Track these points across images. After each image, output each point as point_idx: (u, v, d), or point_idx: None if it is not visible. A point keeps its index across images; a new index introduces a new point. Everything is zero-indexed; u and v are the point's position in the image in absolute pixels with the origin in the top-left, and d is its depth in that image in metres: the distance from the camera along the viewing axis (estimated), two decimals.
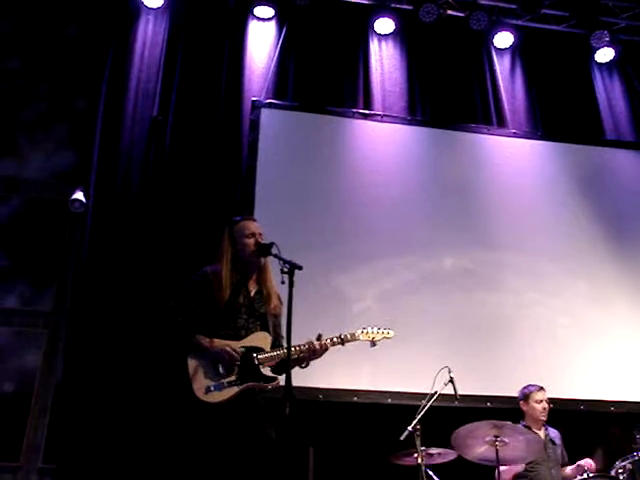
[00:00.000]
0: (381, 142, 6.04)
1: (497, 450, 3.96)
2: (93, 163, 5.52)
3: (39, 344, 5.21)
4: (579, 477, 4.21)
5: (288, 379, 2.84)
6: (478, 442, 4.02)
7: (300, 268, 3.02)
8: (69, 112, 5.98)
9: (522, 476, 4.33)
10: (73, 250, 5.39)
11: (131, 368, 4.85)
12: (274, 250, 3.21)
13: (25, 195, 5.69)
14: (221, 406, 3.15)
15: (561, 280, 5.71)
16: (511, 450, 4.03)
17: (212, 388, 3.18)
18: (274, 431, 3.16)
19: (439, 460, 4.25)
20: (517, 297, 5.58)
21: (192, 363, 3.22)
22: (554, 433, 4.62)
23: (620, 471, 4.22)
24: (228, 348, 3.21)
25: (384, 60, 6.52)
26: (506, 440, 3.98)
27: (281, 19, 6.41)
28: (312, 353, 3.34)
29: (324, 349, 3.36)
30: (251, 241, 3.41)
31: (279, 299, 3.47)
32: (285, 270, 3.00)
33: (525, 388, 4.64)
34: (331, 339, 3.42)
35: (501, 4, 6.76)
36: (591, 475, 4.17)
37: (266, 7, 6.34)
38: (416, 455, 4.08)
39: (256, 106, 5.89)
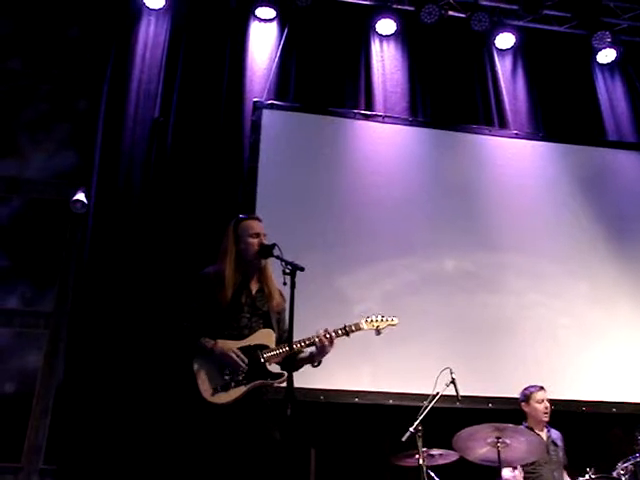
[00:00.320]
0: (382, 143, 6.04)
1: (499, 451, 3.96)
2: (94, 164, 5.52)
3: (40, 345, 5.21)
4: (581, 479, 4.21)
5: (290, 381, 2.84)
6: (480, 444, 4.02)
7: (302, 269, 3.02)
8: (70, 113, 5.98)
9: (524, 478, 4.33)
10: (74, 251, 5.38)
11: (132, 369, 4.85)
12: (276, 251, 3.21)
13: (26, 196, 5.68)
14: (228, 407, 3.15)
15: (562, 281, 5.70)
16: (513, 451, 4.03)
17: (219, 389, 3.18)
18: (279, 432, 3.15)
19: (440, 461, 4.25)
20: (518, 298, 5.57)
21: (198, 366, 3.22)
22: (556, 435, 4.62)
23: (622, 472, 4.22)
24: (233, 354, 3.20)
25: (385, 61, 6.52)
26: (508, 441, 3.98)
27: (282, 20, 6.42)
28: (321, 348, 3.34)
29: (330, 340, 3.35)
30: (255, 241, 3.41)
31: (282, 296, 3.46)
32: (287, 271, 3.00)
33: (526, 389, 4.64)
34: (335, 331, 3.41)
35: (502, 5, 6.76)
36: (593, 476, 4.17)
37: (267, 8, 6.35)
38: (417, 456, 4.07)
39: (257, 107, 5.89)
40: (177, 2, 6.31)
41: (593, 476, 4.18)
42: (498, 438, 3.96)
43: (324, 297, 5.13)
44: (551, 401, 4.64)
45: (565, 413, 4.97)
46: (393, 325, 3.62)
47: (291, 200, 5.56)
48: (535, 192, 6.07)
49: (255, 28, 6.39)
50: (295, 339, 3.14)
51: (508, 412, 4.63)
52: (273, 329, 3.39)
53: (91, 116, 5.78)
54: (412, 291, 5.42)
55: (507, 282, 5.63)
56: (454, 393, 4.24)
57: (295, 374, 2.89)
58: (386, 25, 6.57)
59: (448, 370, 4.29)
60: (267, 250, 3.30)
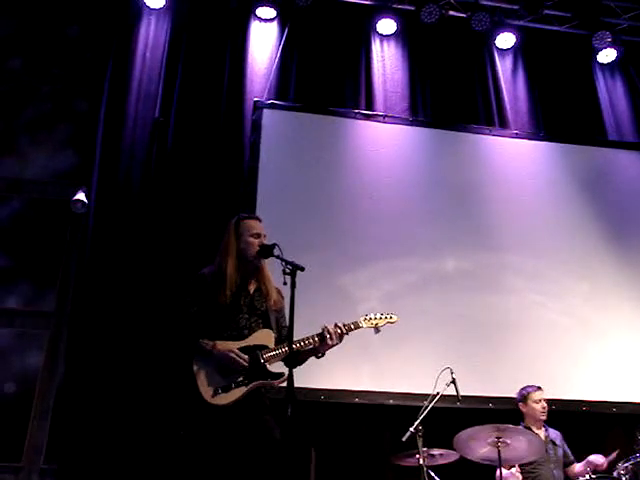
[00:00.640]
0: (383, 143, 6.03)
1: (499, 451, 3.96)
2: (95, 164, 5.52)
3: (41, 345, 5.21)
4: (581, 478, 4.21)
5: (290, 381, 2.84)
6: (480, 444, 4.03)
7: (302, 269, 3.02)
8: (71, 113, 5.98)
9: (524, 478, 4.33)
10: (75, 251, 5.38)
11: (133, 369, 4.85)
12: (276, 251, 3.21)
13: (27, 196, 5.69)
14: (228, 408, 3.15)
15: (563, 281, 5.70)
16: (513, 450, 4.04)
17: (220, 390, 3.18)
18: (279, 432, 3.15)
19: (441, 461, 4.25)
20: (519, 298, 5.57)
21: (197, 367, 3.22)
22: (555, 434, 4.63)
23: (622, 472, 4.22)
24: (233, 355, 3.20)
25: (386, 61, 6.52)
26: (508, 441, 3.99)
27: (283, 20, 6.41)
28: (328, 341, 3.33)
29: (340, 334, 3.35)
30: (255, 241, 3.41)
31: (280, 294, 3.46)
32: (287, 271, 3.00)
33: (523, 389, 4.65)
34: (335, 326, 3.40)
35: (503, 5, 6.75)
36: (594, 476, 4.18)
37: (268, 8, 6.34)
38: (418, 456, 4.08)
39: (258, 107, 5.89)
40: (177, 2, 6.31)
41: (593, 476, 4.19)
42: (498, 438, 3.97)
43: (324, 297, 5.12)
44: (551, 401, 4.65)
45: (565, 413, 4.98)
46: (392, 322, 3.60)
47: (291, 200, 5.56)
48: (535, 192, 6.07)
49: (255, 28, 6.39)
50: (295, 338, 3.14)
51: (508, 412, 4.64)
52: (272, 329, 3.39)
53: (91, 116, 5.79)
54: (412, 291, 5.42)
55: (507, 282, 5.63)
56: (454, 393, 4.24)
57: (295, 374, 2.88)
58: (386, 25, 6.57)
59: (448, 370, 4.30)
60: (267, 250, 3.30)
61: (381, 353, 5.03)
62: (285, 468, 3.09)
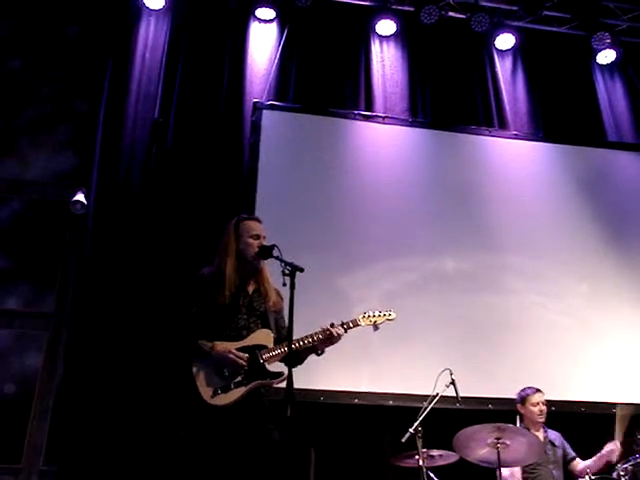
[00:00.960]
0: (382, 144, 6.04)
1: (499, 452, 3.96)
2: (94, 165, 5.53)
3: (40, 346, 5.20)
4: (580, 478, 4.21)
5: (290, 381, 2.84)
6: (480, 444, 4.02)
7: (301, 270, 3.03)
8: (70, 113, 5.98)
9: (524, 479, 4.33)
10: (74, 252, 5.38)
11: (132, 370, 4.85)
12: (275, 252, 3.21)
13: (27, 197, 5.68)
14: (228, 408, 3.15)
15: (563, 282, 5.71)
16: (512, 452, 4.03)
17: (219, 391, 3.18)
18: (278, 433, 3.15)
19: (440, 462, 4.25)
20: (519, 299, 5.57)
21: (197, 368, 3.22)
22: (554, 435, 4.62)
23: (622, 473, 4.22)
24: (231, 355, 3.20)
25: (385, 62, 6.52)
26: (508, 442, 3.98)
27: (282, 21, 6.42)
28: (328, 340, 3.34)
29: (330, 335, 3.35)
30: (255, 242, 3.41)
31: (279, 295, 3.47)
32: (286, 272, 3.01)
33: (522, 391, 4.65)
34: (333, 326, 3.40)
35: (502, 6, 6.76)
36: (593, 477, 4.18)
37: (267, 9, 6.35)
38: (417, 457, 4.08)
39: (257, 108, 5.89)
40: (177, 2, 6.31)
41: (593, 477, 4.18)
42: (498, 439, 3.96)
43: (324, 297, 5.12)
44: (551, 402, 4.64)
45: (565, 413, 4.98)
46: (390, 320, 3.60)
47: (291, 200, 5.56)
48: (535, 192, 6.07)
49: (255, 29, 6.39)
50: (294, 338, 3.14)
51: (508, 413, 4.63)
52: (271, 329, 3.39)
53: (91, 117, 5.79)
54: (412, 291, 5.42)
55: (507, 282, 5.63)
56: (454, 394, 4.24)
57: (295, 375, 2.89)
58: (386, 26, 6.57)
59: (448, 371, 4.29)
60: (267, 251, 3.30)
61: (381, 354, 5.03)
62: (284, 469, 3.08)
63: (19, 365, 5.15)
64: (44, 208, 5.65)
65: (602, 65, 7.00)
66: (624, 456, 4.34)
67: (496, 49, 6.83)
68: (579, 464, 4.49)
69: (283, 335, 3.42)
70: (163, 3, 6.18)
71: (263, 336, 3.35)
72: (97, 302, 5.06)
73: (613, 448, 4.31)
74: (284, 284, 3.01)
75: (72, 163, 5.82)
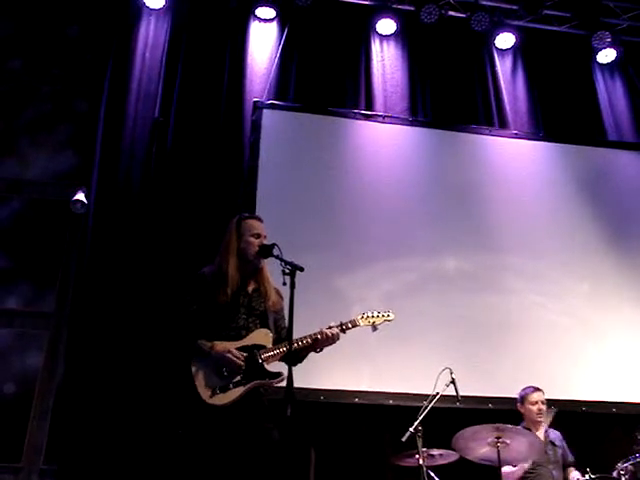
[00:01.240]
0: (382, 143, 6.04)
1: (499, 451, 3.96)
2: (95, 164, 5.53)
3: (40, 345, 5.21)
4: (581, 478, 4.21)
5: (290, 381, 2.84)
6: (480, 444, 4.02)
7: (301, 269, 3.02)
8: (71, 113, 5.98)
9: (524, 478, 4.33)
10: (75, 251, 5.38)
11: (132, 369, 4.85)
12: (276, 251, 3.21)
13: (27, 196, 5.69)
14: (227, 408, 3.15)
15: (563, 282, 5.70)
16: (513, 451, 4.03)
17: (218, 391, 3.17)
18: (277, 432, 3.15)
19: (440, 461, 4.25)
20: (519, 299, 5.57)
21: (196, 368, 3.22)
22: (554, 434, 4.62)
23: (622, 473, 4.22)
24: (230, 355, 3.20)
25: (386, 61, 6.52)
26: (508, 441, 3.98)
27: (282, 20, 6.42)
28: (326, 341, 3.35)
29: (328, 336, 3.35)
30: (256, 241, 3.41)
31: (279, 294, 3.46)
32: (286, 271, 3.01)
33: (522, 390, 4.65)
34: (330, 327, 3.41)
35: (502, 5, 6.76)
36: (594, 476, 4.18)
37: (267, 8, 6.35)
38: (417, 456, 4.08)
39: (258, 107, 5.90)
40: (177, 2, 6.31)
41: (593, 476, 4.18)
42: (498, 438, 3.96)
43: (324, 297, 5.12)
44: (551, 401, 4.64)
45: (565, 413, 4.97)
46: (389, 320, 3.60)
47: (291, 200, 5.56)
48: (535, 192, 6.07)
49: (255, 28, 6.39)
50: (294, 337, 3.14)
51: (508, 412, 4.63)
52: (270, 329, 3.39)
53: (91, 116, 5.79)
54: (412, 291, 5.42)
55: (507, 282, 5.63)
56: (454, 393, 4.24)
57: (295, 374, 2.88)
58: (386, 25, 6.57)
59: (448, 370, 4.29)
60: (267, 250, 3.30)
61: (381, 353, 5.03)
62: (284, 468, 3.08)
63: (19, 365, 5.15)
64: (44, 208, 5.65)
65: (602, 64, 7.00)
66: (624, 456, 4.34)
67: (496, 48, 6.82)
68: (572, 472, 4.49)
69: (282, 335, 3.42)
70: (163, 2, 6.19)
71: (262, 336, 3.35)
72: (97, 301, 5.06)
73: None
74: (284, 283, 3.01)
75: (72, 163, 5.82)
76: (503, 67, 6.78)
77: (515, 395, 4.70)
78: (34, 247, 5.47)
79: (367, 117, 6.11)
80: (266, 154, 5.71)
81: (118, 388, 4.78)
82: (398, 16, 6.59)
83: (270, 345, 3.33)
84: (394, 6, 6.60)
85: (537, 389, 4.59)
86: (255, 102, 5.92)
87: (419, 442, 4.07)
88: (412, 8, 6.59)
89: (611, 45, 6.80)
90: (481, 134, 6.29)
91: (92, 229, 5.31)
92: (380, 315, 3.58)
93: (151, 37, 6.13)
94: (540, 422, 4.54)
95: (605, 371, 5.41)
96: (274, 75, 6.12)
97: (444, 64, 6.62)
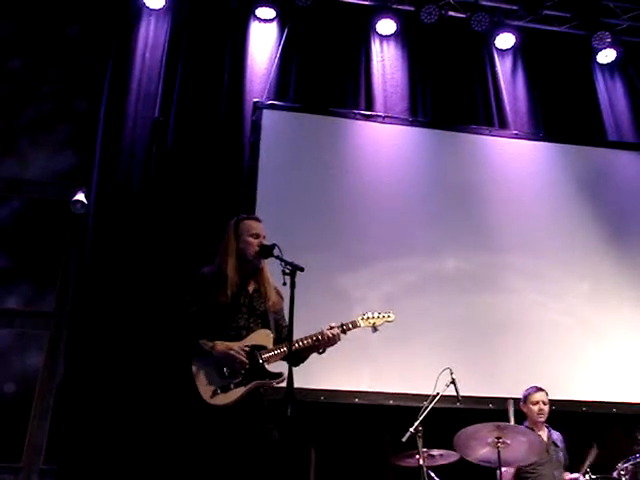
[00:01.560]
0: (383, 143, 6.04)
1: (499, 451, 3.96)
2: (95, 164, 5.53)
3: (41, 345, 5.21)
4: (582, 478, 4.21)
5: (290, 381, 2.84)
6: (480, 443, 4.02)
7: (302, 269, 3.02)
8: (70, 113, 5.98)
9: (524, 477, 4.33)
10: (75, 251, 5.38)
11: (133, 369, 4.85)
12: (276, 251, 3.21)
13: (27, 196, 5.69)
14: (227, 408, 3.15)
15: (563, 281, 5.70)
16: (513, 451, 4.02)
17: (219, 391, 3.17)
18: (278, 432, 3.15)
19: (441, 462, 4.25)
20: (519, 298, 5.57)
21: (197, 367, 3.21)
22: (556, 435, 4.61)
23: (622, 473, 4.21)
24: (233, 352, 3.20)
25: (386, 61, 6.52)
26: (508, 442, 3.97)
27: (282, 20, 6.42)
28: (327, 342, 3.35)
29: (329, 337, 3.35)
30: (255, 241, 3.41)
31: (279, 294, 3.46)
32: (287, 271, 3.01)
33: (525, 390, 4.65)
34: (331, 328, 3.40)
35: (502, 5, 6.76)
36: (594, 476, 4.17)
37: (267, 8, 6.35)
38: (418, 456, 4.08)
39: (258, 107, 5.89)
40: (177, 2, 6.31)
41: (593, 476, 4.18)
42: (498, 438, 3.96)
43: (324, 297, 5.12)
44: (551, 401, 4.63)
45: (565, 413, 4.98)
46: (390, 321, 3.60)
47: (291, 200, 5.56)
48: (535, 192, 6.07)
49: (255, 28, 6.39)
50: (294, 338, 3.14)
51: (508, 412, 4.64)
52: (270, 329, 3.39)
53: (91, 116, 5.79)
54: (412, 291, 5.42)
55: (507, 282, 5.63)
56: (454, 393, 4.24)
57: (295, 374, 2.89)
58: (386, 25, 6.57)
59: (448, 370, 4.29)
60: (267, 250, 3.30)
61: (381, 354, 5.03)
62: (284, 468, 3.08)
63: (19, 364, 5.15)
64: (44, 207, 5.65)
65: (602, 64, 7.00)
66: (624, 456, 4.34)
67: (496, 48, 6.82)
68: (566, 475, 4.49)
69: (283, 335, 3.42)
70: (163, 2, 6.19)
71: (262, 336, 3.35)
72: (97, 301, 5.06)
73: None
74: (284, 283, 3.01)
75: (72, 162, 5.82)
76: (503, 67, 6.78)
77: (516, 395, 4.69)
78: (34, 247, 5.46)
79: (367, 117, 6.11)
80: (266, 154, 5.71)
81: (118, 388, 4.78)
82: (398, 16, 6.58)
83: (271, 345, 3.33)
84: (394, 6, 6.60)
85: (540, 389, 4.59)
86: (255, 102, 5.92)
87: (419, 442, 4.07)
88: (412, 8, 6.59)
89: (611, 45, 6.80)
90: (481, 134, 6.29)
91: (92, 229, 5.31)
92: (380, 316, 3.59)
93: (151, 37, 6.13)
94: (542, 422, 4.54)
95: (605, 371, 5.41)
96: (274, 75, 6.12)
97: (444, 64, 6.62)
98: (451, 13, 6.69)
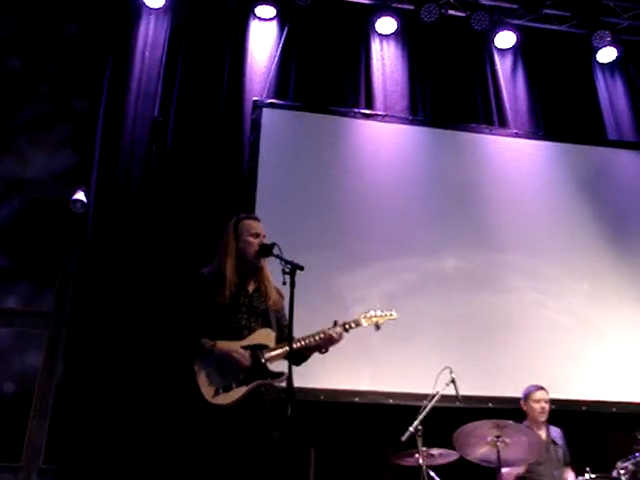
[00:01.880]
0: (382, 142, 6.03)
1: (498, 451, 3.95)
2: (94, 163, 5.52)
3: (40, 344, 5.21)
4: (581, 478, 4.21)
5: (290, 380, 2.84)
6: (480, 442, 4.01)
7: (301, 268, 3.02)
8: (70, 112, 5.98)
9: (523, 477, 4.33)
10: (74, 251, 5.38)
11: (133, 368, 4.85)
12: (276, 251, 3.21)
13: (26, 195, 5.69)
14: (229, 408, 3.14)
15: (563, 281, 5.70)
16: (513, 451, 4.01)
17: (220, 390, 3.17)
18: (278, 432, 3.15)
19: (440, 461, 4.24)
20: (519, 298, 5.57)
21: (198, 367, 3.21)
22: (556, 433, 4.62)
23: (622, 472, 4.21)
24: (236, 354, 3.19)
25: (385, 60, 6.52)
26: (508, 440, 3.97)
27: (282, 19, 6.41)
28: (330, 341, 3.34)
29: (332, 336, 3.34)
30: (255, 241, 3.41)
31: (279, 293, 3.45)
32: (286, 271, 3.01)
33: (526, 388, 4.66)
34: (334, 327, 3.40)
35: (502, 4, 6.75)
36: (594, 476, 4.17)
37: (267, 7, 6.34)
38: (417, 456, 4.08)
39: (257, 106, 5.89)
40: (177, 1, 6.30)
41: (593, 476, 4.18)
42: (498, 437, 3.95)
43: (324, 296, 5.12)
44: (551, 400, 4.64)
45: (565, 413, 4.98)
46: (392, 319, 3.60)
47: (291, 199, 5.55)
48: (535, 191, 6.06)
49: (255, 27, 6.38)
50: (296, 337, 3.15)
51: (508, 411, 4.62)
52: (272, 328, 3.38)
53: (90, 115, 5.78)
54: (412, 291, 5.41)
55: (507, 282, 5.63)
56: (454, 392, 4.24)
57: (295, 374, 2.88)
58: (386, 24, 6.56)
59: (448, 369, 4.29)
60: (267, 249, 3.30)
61: (381, 353, 5.03)
62: (284, 468, 3.08)
63: (19, 364, 5.15)
64: (44, 207, 5.65)
65: (602, 63, 6.99)
66: (624, 455, 4.34)
67: (496, 47, 6.82)
68: (568, 472, 4.48)
69: (285, 333, 3.41)
70: (163, 1, 6.18)
71: (264, 335, 3.34)
72: (97, 301, 5.06)
73: None
74: (284, 283, 3.01)
75: (71, 162, 5.82)
76: (503, 66, 6.77)
77: (515, 394, 4.70)
78: (34, 246, 5.46)
79: (367, 116, 6.11)
80: (266, 153, 5.71)
81: (118, 387, 4.78)
82: (398, 15, 6.58)
83: (272, 344, 3.32)
84: (394, 5, 6.59)
85: (540, 388, 4.60)
86: (255, 101, 5.92)
87: (419, 441, 4.07)
88: (412, 7, 6.58)
89: (611, 44, 6.79)
90: (481, 133, 6.28)
91: (91, 228, 5.30)
92: (383, 314, 3.58)
93: (151, 36, 6.12)
94: (542, 421, 4.54)
95: (605, 370, 5.41)
96: (274, 74, 6.12)
97: (444, 63, 6.61)
98: (451, 12, 6.68)
